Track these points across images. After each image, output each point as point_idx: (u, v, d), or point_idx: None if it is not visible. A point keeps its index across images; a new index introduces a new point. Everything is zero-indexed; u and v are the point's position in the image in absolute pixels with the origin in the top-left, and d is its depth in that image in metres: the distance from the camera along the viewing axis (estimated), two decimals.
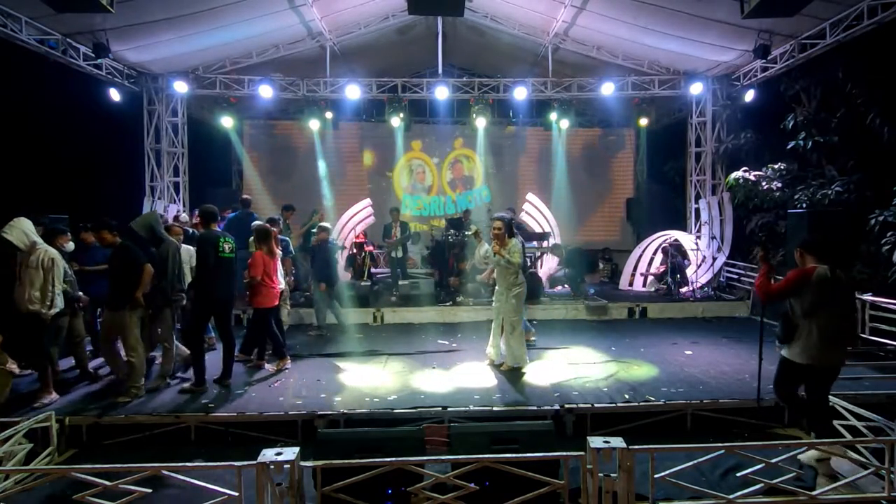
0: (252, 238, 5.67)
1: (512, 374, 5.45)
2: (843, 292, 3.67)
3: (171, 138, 9.81)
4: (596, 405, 4.57)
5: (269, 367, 5.68)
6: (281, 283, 5.96)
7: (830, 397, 4.08)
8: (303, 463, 3.09)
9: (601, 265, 11.31)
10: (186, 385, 5.03)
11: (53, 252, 4.79)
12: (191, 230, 6.82)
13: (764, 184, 8.71)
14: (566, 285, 9.39)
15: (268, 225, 6.01)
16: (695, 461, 3.25)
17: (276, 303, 5.75)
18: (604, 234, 13.23)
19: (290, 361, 5.79)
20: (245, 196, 9.47)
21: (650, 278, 10.05)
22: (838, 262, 3.73)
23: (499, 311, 5.60)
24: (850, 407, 4.02)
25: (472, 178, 13.36)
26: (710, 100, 9.99)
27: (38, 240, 4.78)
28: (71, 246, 5.51)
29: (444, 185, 13.32)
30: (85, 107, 9.06)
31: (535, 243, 9.94)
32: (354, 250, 9.43)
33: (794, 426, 4.59)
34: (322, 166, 12.04)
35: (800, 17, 6.64)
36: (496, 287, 5.67)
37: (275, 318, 5.86)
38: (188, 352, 5.33)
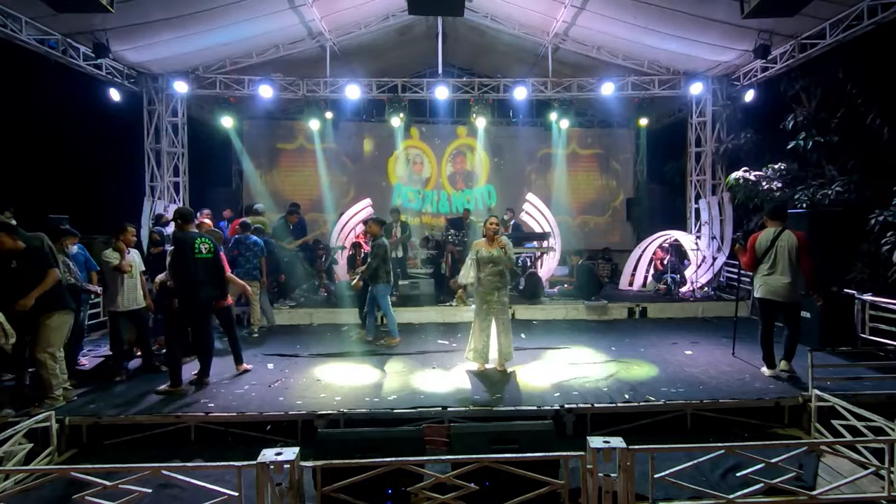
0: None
1: (511, 373, 5.45)
2: (785, 245, 5.09)
3: (171, 138, 9.81)
4: (596, 405, 4.57)
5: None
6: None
7: (830, 397, 4.26)
8: (303, 463, 3.09)
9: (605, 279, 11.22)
10: (162, 387, 4.97)
11: None
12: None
13: (764, 184, 8.70)
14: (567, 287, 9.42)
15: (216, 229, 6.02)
16: (695, 461, 3.25)
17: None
18: (604, 234, 13.23)
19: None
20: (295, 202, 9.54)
21: (650, 278, 10.06)
22: (788, 225, 5.26)
23: (489, 312, 5.50)
24: (850, 407, 4.02)
25: (475, 174, 13.20)
26: (710, 100, 9.99)
27: None
28: (75, 249, 5.50)
29: (443, 179, 13.20)
30: (85, 107, 9.07)
31: (535, 243, 9.95)
32: (353, 250, 9.42)
33: (795, 426, 4.60)
34: (322, 166, 12.07)
35: (800, 17, 6.63)
36: (483, 288, 5.47)
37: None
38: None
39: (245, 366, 5.62)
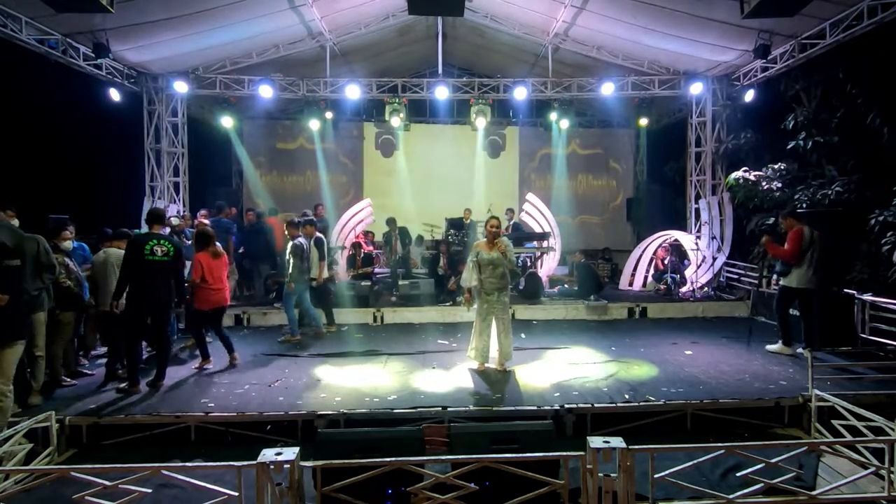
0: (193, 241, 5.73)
1: (511, 373, 5.44)
2: (817, 243, 5.91)
3: (171, 138, 9.81)
4: (596, 405, 4.56)
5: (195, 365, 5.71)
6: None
7: (830, 397, 4.26)
8: (303, 463, 3.09)
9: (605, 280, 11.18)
10: (121, 385, 5.02)
11: None
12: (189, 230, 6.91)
13: (764, 184, 8.70)
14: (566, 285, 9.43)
15: (209, 228, 6.05)
16: (695, 461, 3.24)
17: (215, 306, 5.72)
18: (604, 234, 13.24)
19: (210, 363, 5.73)
20: (219, 202, 9.29)
21: (650, 278, 10.06)
22: (811, 225, 6.10)
23: (489, 312, 5.51)
24: (850, 407, 4.02)
25: None
26: (710, 100, 9.99)
27: None
28: (69, 244, 5.48)
29: None
30: (85, 107, 9.07)
31: (535, 243, 9.95)
32: (353, 250, 9.43)
33: (795, 426, 4.60)
34: (322, 166, 12.08)
35: (800, 17, 6.64)
36: (483, 288, 5.49)
37: (215, 321, 5.86)
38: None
39: (209, 362, 5.73)
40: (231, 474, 2.99)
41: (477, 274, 5.51)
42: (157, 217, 5.26)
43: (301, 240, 6.75)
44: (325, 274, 7.16)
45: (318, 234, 7.14)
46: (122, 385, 5.01)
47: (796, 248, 5.90)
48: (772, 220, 8.70)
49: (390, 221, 9.89)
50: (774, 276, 6.39)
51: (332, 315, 7.54)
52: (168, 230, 6.61)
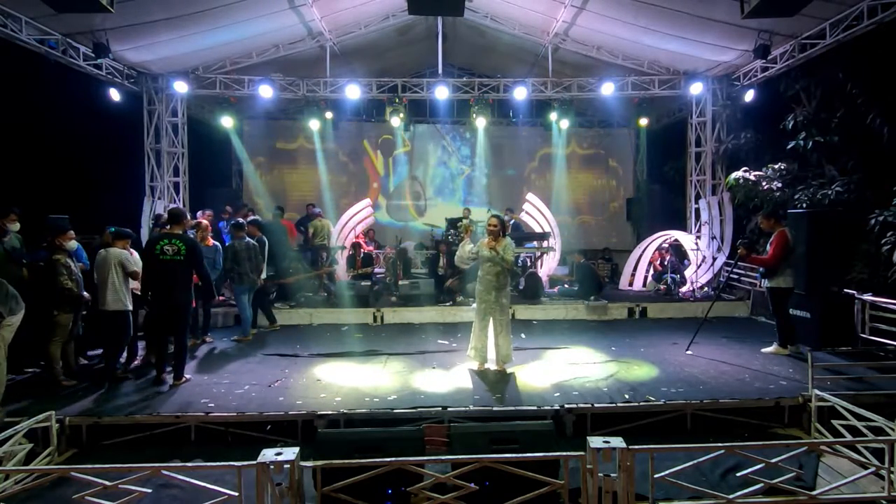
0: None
1: (511, 374, 5.44)
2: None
3: (171, 138, 9.81)
4: (596, 405, 4.56)
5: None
6: None
7: (830, 397, 4.28)
8: (303, 463, 3.09)
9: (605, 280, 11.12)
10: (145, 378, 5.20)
11: None
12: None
13: (764, 184, 8.70)
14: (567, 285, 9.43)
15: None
16: (695, 461, 3.24)
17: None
18: (604, 234, 13.24)
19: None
20: (238, 203, 9.40)
21: (650, 278, 10.06)
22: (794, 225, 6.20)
23: (486, 312, 5.51)
24: (850, 407, 4.02)
25: None
26: (710, 100, 9.99)
27: None
28: (73, 245, 5.48)
29: None
30: (85, 107, 9.06)
31: (535, 243, 9.95)
32: (353, 250, 9.43)
33: (795, 426, 4.60)
34: (322, 166, 12.08)
35: (800, 17, 6.64)
36: (481, 287, 5.51)
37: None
38: None
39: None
40: (231, 474, 2.99)
41: (480, 271, 5.52)
42: (173, 217, 5.32)
43: (248, 240, 6.83)
44: (264, 275, 7.19)
45: (261, 235, 7.30)
46: (152, 376, 5.19)
47: (779, 253, 5.85)
48: None
49: (401, 252, 9.81)
50: (760, 280, 6.44)
51: (272, 315, 7.65)
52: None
